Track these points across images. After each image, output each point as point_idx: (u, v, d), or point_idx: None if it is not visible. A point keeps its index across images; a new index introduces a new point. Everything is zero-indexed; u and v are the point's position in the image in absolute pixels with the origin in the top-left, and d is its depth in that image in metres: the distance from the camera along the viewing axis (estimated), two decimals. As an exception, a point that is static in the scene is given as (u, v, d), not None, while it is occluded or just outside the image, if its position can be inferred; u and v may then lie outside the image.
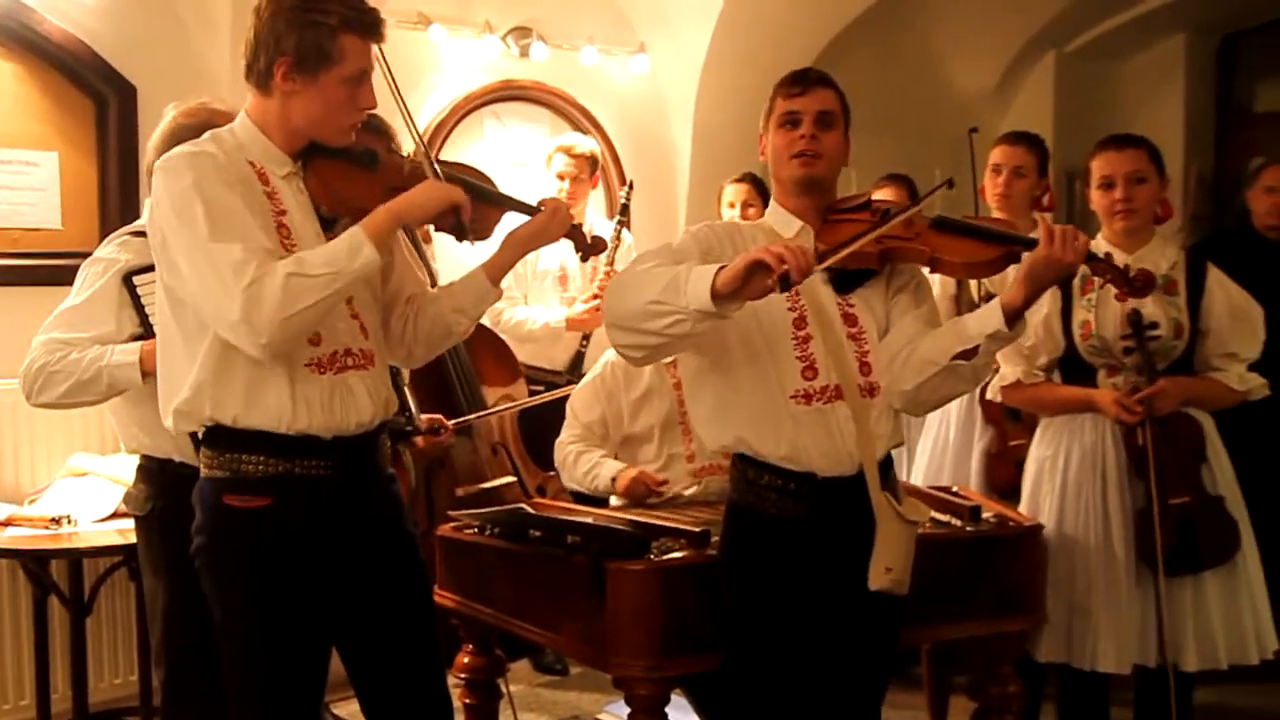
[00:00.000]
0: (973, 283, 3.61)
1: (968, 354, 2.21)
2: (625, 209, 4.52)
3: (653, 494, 3.09)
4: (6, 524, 3.26)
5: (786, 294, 2.22)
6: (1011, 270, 2.32)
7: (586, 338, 4.36)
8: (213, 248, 1.96)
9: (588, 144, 4.50)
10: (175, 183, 2.01)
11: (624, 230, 4.49)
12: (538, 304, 4.39)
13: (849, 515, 2.25)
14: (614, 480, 3.13)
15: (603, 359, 3.39)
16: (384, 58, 2.16)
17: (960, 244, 2.31)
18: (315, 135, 2.13)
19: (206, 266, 1.96)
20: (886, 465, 2.33)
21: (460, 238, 2.18)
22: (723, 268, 2.00)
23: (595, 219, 4.65)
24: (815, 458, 2.25)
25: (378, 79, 2.15)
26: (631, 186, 4.61)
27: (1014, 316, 2.18)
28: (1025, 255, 2.22)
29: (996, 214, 3.51)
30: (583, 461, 3.22)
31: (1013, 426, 3.49)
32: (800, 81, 2.33)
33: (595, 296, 4.29)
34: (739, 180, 4.31)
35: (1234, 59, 6.22)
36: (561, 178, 4.34)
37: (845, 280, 2.33)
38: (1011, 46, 6.01)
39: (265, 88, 2.11)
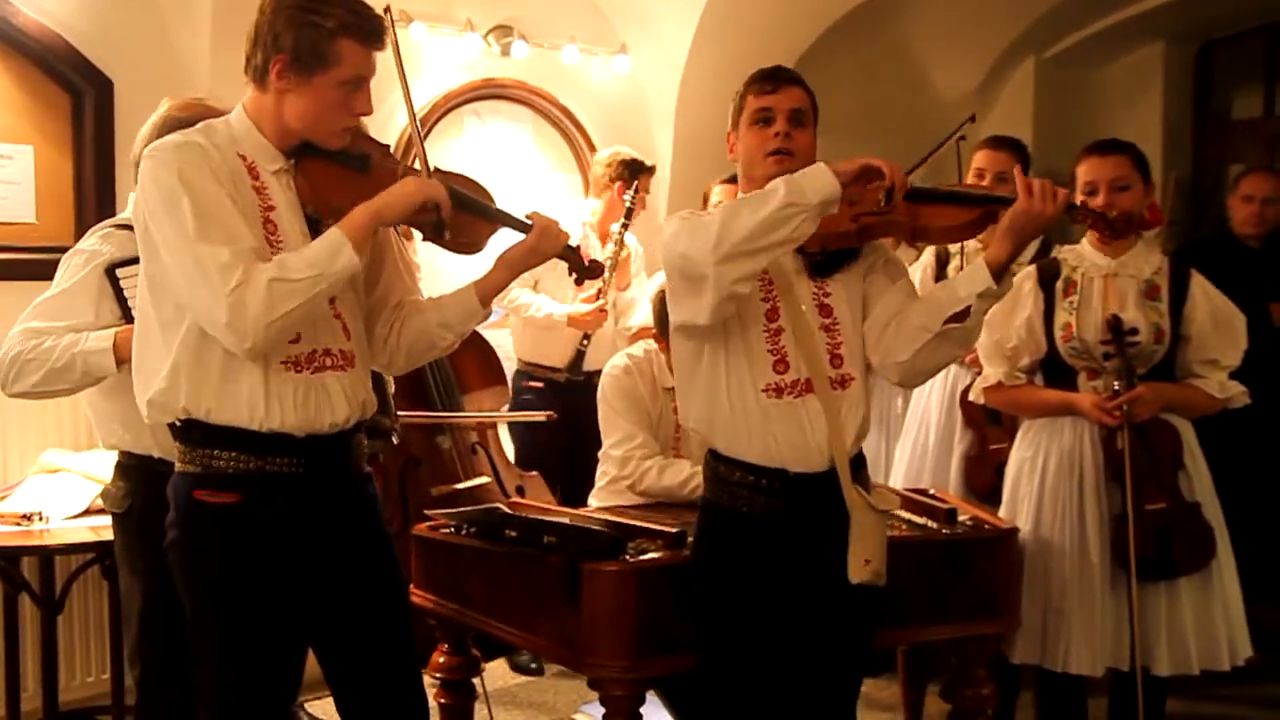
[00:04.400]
0: (953, 264, 3.62)
1: (959, 316, 2.23)
2: (629, 213, 4.39)
3: None
4: (-22, 520, 3.23)
5: (761, 284, 2.28)
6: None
7: (587, 337, 4.34)
8: (200, 249, 1.95)
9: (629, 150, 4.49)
10: (162, 173, 2.00)
11: (627, 233, 4.41)
12: (549, 293, 4.34)
13: (821, 511, 2.26)
14: None
15: (610, 363, 3.36)
16: (399, 56, 2.17)
17: (938, 210, 2.33)
18: (307, 135, 2.12)
19: (194, 267, 1.96)
20: (857, 459, 2.33)
21: (438, 238, 2.15)
22: (834, 164, 2.13)
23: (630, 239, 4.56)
24: (786, 453, 2.26)
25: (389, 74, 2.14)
26: (637, 189, 4.48)
27: (1000, 273, 2.21)
28: (1005, 212, 2.23)
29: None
30: (672, 472, 3.16)
31: (993, 430, 3.50)
32: (772, 79, 2.34)
33: (598, 296, 4.28)
34: (727, 181, 4.30)
35: (1211, 67, 6.26)
36: (631, 208, 4.30)
37: (823, 265, 2.34)
38: (992, 51, 6.03)
39: (261, 83, 2.10)
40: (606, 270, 4.20)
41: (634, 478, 3.21)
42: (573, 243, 2.34)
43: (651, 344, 3.31)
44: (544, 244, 2.25)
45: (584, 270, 2.38)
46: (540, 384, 4.27)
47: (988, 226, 2.31)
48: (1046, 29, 5.94)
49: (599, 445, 3.33)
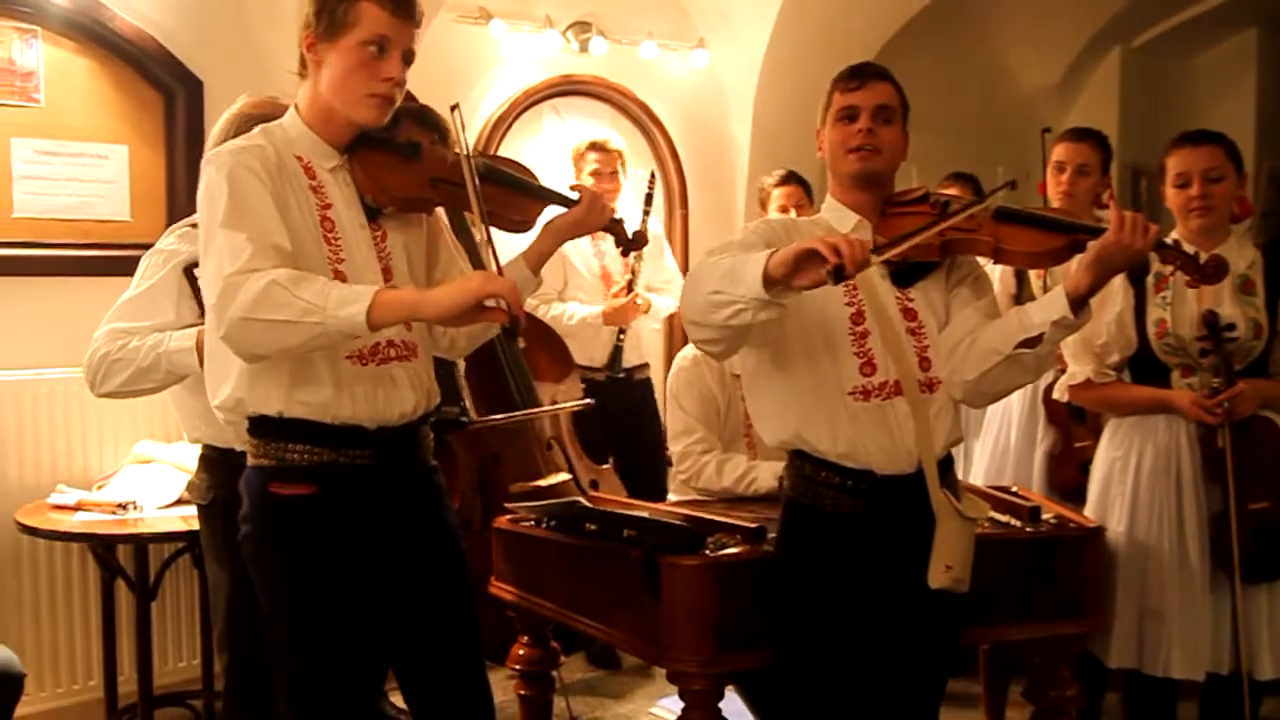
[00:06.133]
0: (1035, 281, 3.57)
1: (1031, 342, 2.18)
2: (649, 199, 4.40)
3: None
4: (76, 508, 3.33)
5: (845, 289, 2.23)
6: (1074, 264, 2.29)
7: (623, 332, 4.36)
8: (220, 232, 1.98)
9: (619, 140, 4.46)
10: (214, 173, 2.04)
11: (649, 220, 4.40)
12: (578, 301, 4.39)
13: (907, 513, 2.23)
14: (781, 480, 3.05)
15: (680, 354, 3.37)
16: (462, 126, 2.17)
17: (1024, 234, 2.28)
18: (340, 106, 2.13)
19: (211, 250, 1.99)
20: (946, 462, 2.30)
21: (509, 336, 2.07)
22: (774, 253, 1.98)
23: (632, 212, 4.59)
24: (874, 454, 2.23)
25: (439, 69, 2.16)
26: (654, 176, 4.50)
27: (1079, 303, 2.15)
28: (1091, 243, 2.19)
29: (1058, 211, 3.47)
30: (730, 468, 3.17)
31: (1077, 428, 3.45)
32: (858, 75, 2.31)
33: (627, 289, 4.30)
34: (785, 183, 4.27)
35: (1307, 54, 6.09)
36: (597, 176, 4.28)
37: (905, 274, 2.31)
38: (1076, 42, 5.94)
39: (304, 69, 2.15)
40: (633, 260, 4.26)
41: (690, 474, 3.22)
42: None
43: None
44: (591, 217, 2.30)
45: (629, 242, 2.44)
46: (582, 385, 4.29)
47: (1074, 256, 2.26)
48: (1133, 18, 5.83)
49: (644, 439, 3.33)
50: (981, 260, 2.38)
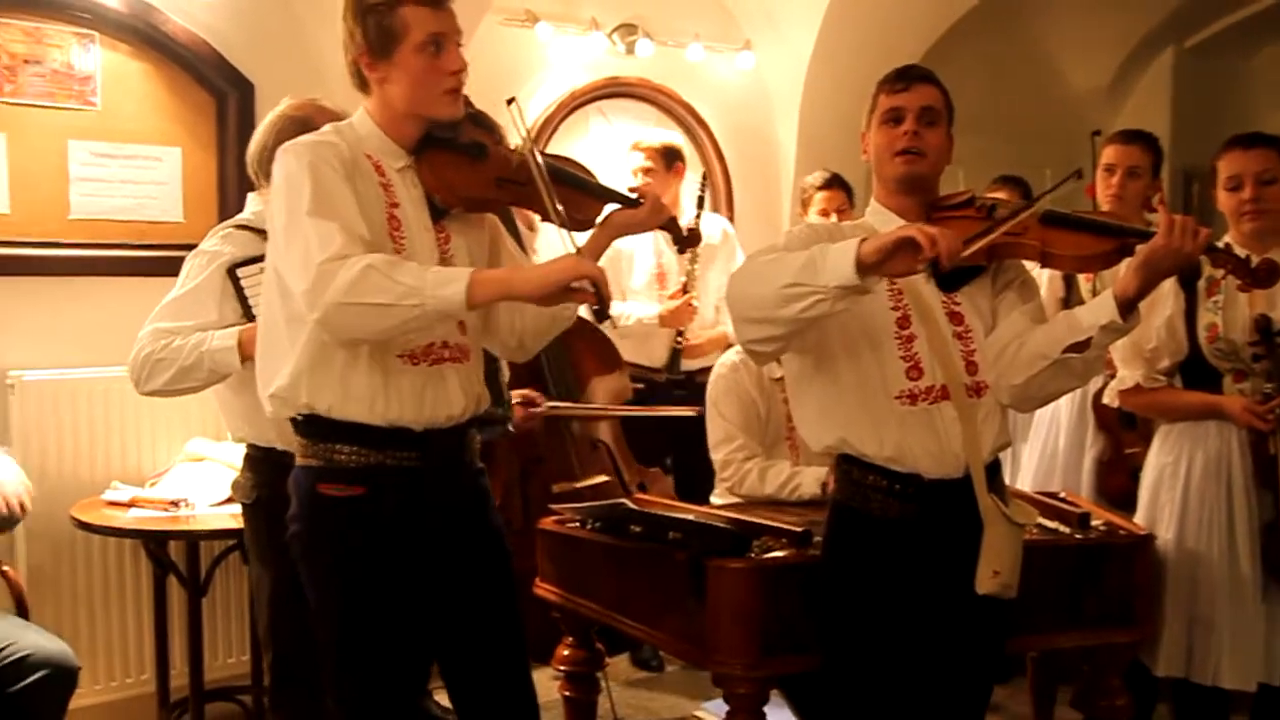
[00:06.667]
0: (1084, 285, 3.53)
1: (1079, 346, 2.17)
2: (701, 201, 4.43)
3: None
4: (130, 505, 3.38)
5: (890, 293, 2.23)
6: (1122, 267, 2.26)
7: (681, 333, 4.36)
8: (308, 221, 1.99)
9: (660, 137, 4.45)
10: (292, 163, 2.06)
11: (718, 217, 4.45)
12: (634, 302, 4.41)
13: (955, 517, 2.22)
14: (825, 485, 3.04)
15: (721, 362, 3.37)
16: (521, 118, 2.19)
17: (1072, 238, 2.26)
18: (419, 111, 2.16)
19: (297, 238, 2.00)
20: (993, 467, 2.29)
21: (599, 318, 2.10)
22: (864, 240, 1.98)
23: (688, 213, 4.61)
24: (921, 458, 2.22)
25: (486, 71, 2.18)
26: (706, 176, 4.52)
27: (1127, 307, 2.13)
28: (1140, 246, 2.16)
29: (1107, 215, 3.43)
30: (773, 475, 3.16)
31: (1127, 434, 3.41)
32: (904, 78, 2.30)
33: (683, 291, 4.30)
34: (827, 186, 4.25)
35: (1367, 54, 5.99)
36: (637, 173, 4.30)
37: (951, 278, 2.30)
38: (1127, 43, 5.87)
39: (365, 87, 2.17)
40: (689, 262, 4.28)
41: (733, 480, 3.22)
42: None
43: None
44: (651, 218, 2.31)
45: (684, 239, 2.47)
46: (641, 384, 4.29)
47: (1122, 260, 2.24)
48: (1187, 18, 5.76)
49: (702, 441, 3.33)
50: (1028, 264, 2.37)
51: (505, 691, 2.29)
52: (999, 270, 2.34)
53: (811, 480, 3.10)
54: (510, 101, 2.22)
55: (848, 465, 2.30)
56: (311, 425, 2.15)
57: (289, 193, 2.03)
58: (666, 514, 2.72)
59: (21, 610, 3.12)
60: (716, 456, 3.26)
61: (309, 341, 2.09)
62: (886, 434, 2.23)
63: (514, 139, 2.33)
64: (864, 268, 1.96)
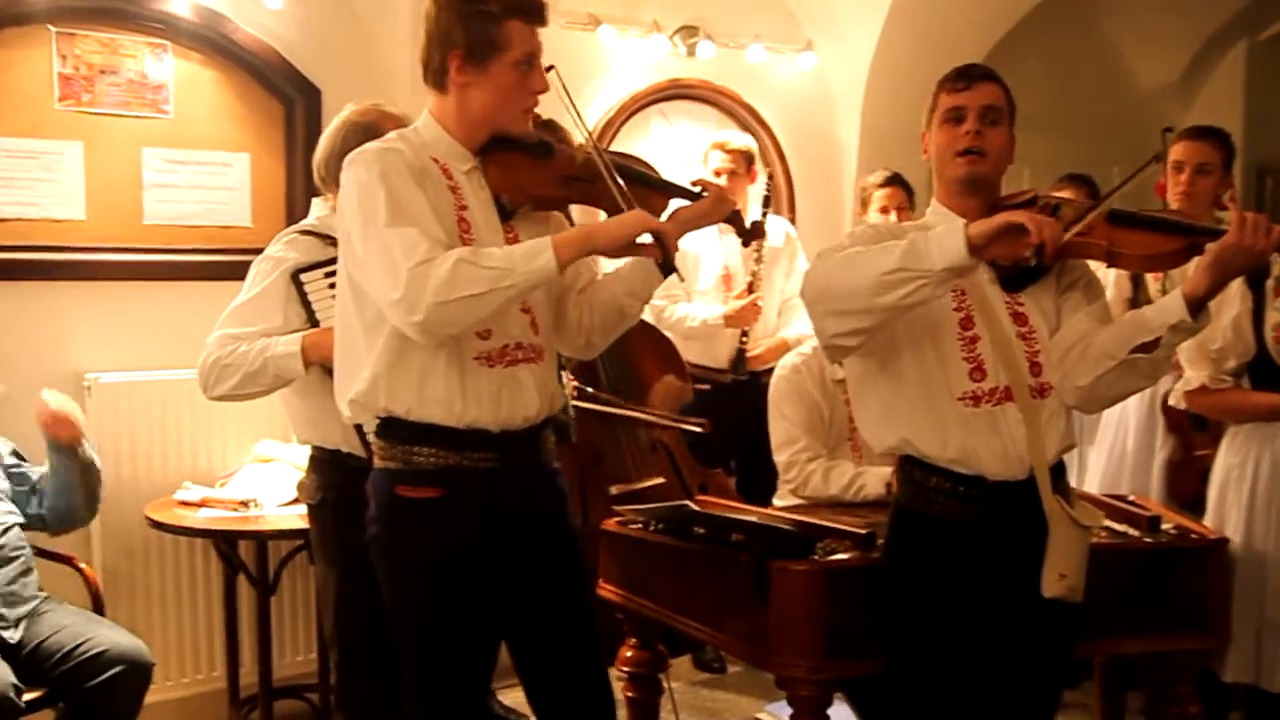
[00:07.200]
0: (1152, 285, 3.48)
1: (1147, 346, 2.14)
2: (767, 200, 4.44)
3: None
4: (200, 505, 3.45)
5: (953, 294, 2.21)
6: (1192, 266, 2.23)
7: (745, 334, 4.36)
8: (388, 231, 2.01)
9: (743, 139, 4.49)
10: (363, 172, 2.08)
11: (780, 219, 4.44)
12: (700, 303, 4.41)
13: (1020, 520, 2.20)
14: (890, 485, 3.03)
15: (782, 364, 3.37)
16: (561, 83, 2.20)
17: (1139, 236, 2.22)
18: (493, 123, 2.18)
19: (379, 249, 2.02)
20: (1058, 469, 2.27)
21: (665, 272, 2.16)
22: (969, 224, 2.00)
23: (754, 214, 4.62)
24: (985, 460, 2.20)
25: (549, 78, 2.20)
26: (772, 177, 4.52)
27: (1197, 307, 2.10)
28: (1209, 245, 2.13)
29: (1176, 212, 3.38)
30: (836, 475, 3.16)
31: (1198, 436, 3.35)
32: (965, 77, 2.27)
33: (749, 290, 4.30)
34: (888, 184, 4.23)
35: None
36: (719, 173, 4.32)
37: (1014, 279, 2.27)
38: (1198, 36, 5.76)
39: (442, 85, 2.18)
40: (754, 261, 4.29)
41: (797, 482, 3.21)
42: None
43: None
44: (716, 209, 2.29)
45: (747, 233, 2.47)
46: (706, 385, 4.28)
47: (1190, 259, 2.20)
48: (1261, 10, 5.64)
49: (765, 444, 3.32)
50: (1093, 264, 2.33)
51: (583, 691, 2.30)
52: (1063, 270, 2.31)
53: (876, 480, 3.09)
54: (549, 69, 2.22)
55: (910, 467, 2.29)
56: (390, 428, 2.17)
57: (363, 203, 2.06)
58: (729, 515, 2.72)
59: (98, 607, 3.19)
60: (780, 458, 3.25)
61: (386, 345, 2.11)
62: (950, 436, 2.21)
63: (554, 109, 2.32)
64: (973, 249, 1.98)
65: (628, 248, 2.12)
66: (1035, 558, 2.19)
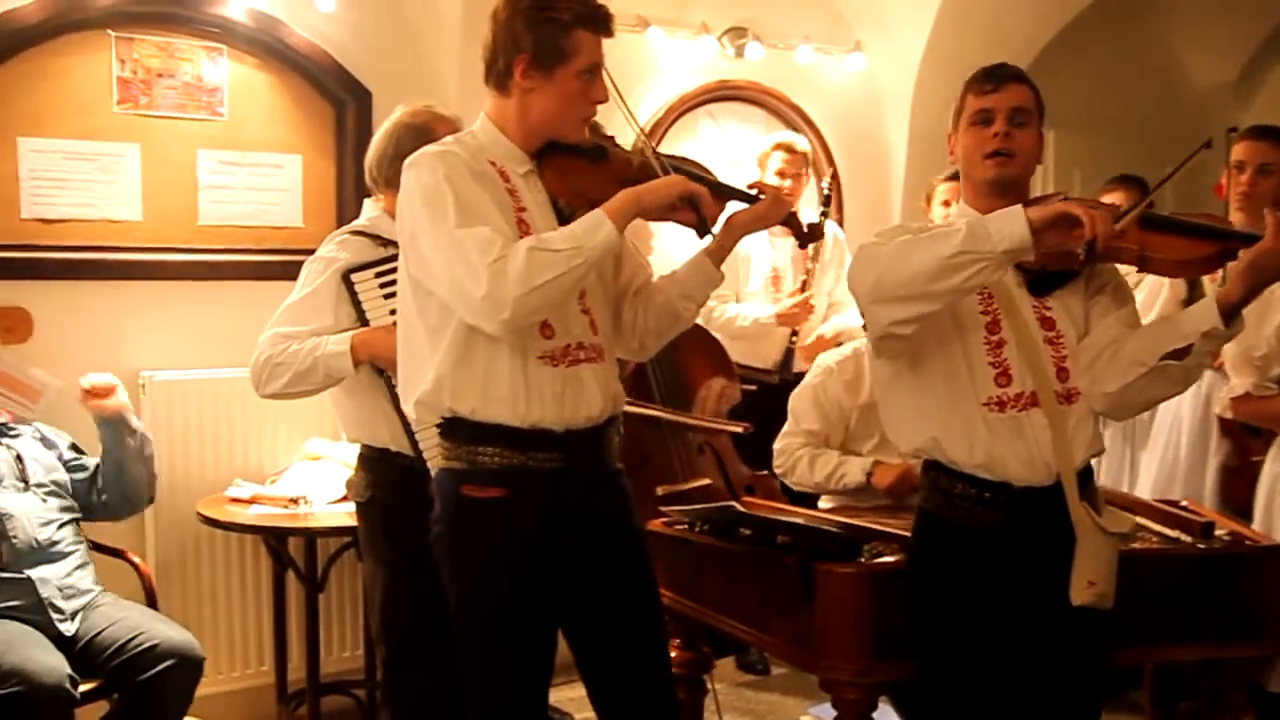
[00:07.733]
0: (1209, 285, 3.42)
1: (1179, 353, 2.11)
2: (828, 200, 4.46)
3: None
4: (251, 501, 3.50)
5: (980, 297, 2.20)
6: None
7: (795, 334, 4.35)
8: (459, 233, 2.02)
9: (804, 142, 4.51)
10: (426, 175, 2.09)
11: (828, 222, 4.42)
12: (751, 303, 4.41)
13: (1046, 526, 2.17)
14: (870, 475, 3.10)
15: (818, 362, 3.37)
16: (614, 85, 2.22)
17: (1171, 241, 2.20)
18: (552, 131, 2.20)
19: (453, 251, 2.02)
20: (1085, 475, 2.23)
21: (701, 233, 2.20)
22: (1025, 209, 2.00)
23: (809, 216, 4.62)
24: (1011, 466, 2.18)
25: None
26: (835, 177, 4.54)
27: (1231, 314, 2.07)
28: (1244, 251, 2.09)
29: (1235, 214, 3.34)
30: (821, 463, 3.20)
31: (1254, 441, 3.29)
32: (993, 77, 2.24)
33: (801, 290, 4.30)
34: (951, 178, 4.21)
35: None
36: (781, 175, 4.34)
37: (1042, 283, 2.25)
38: (1255, 36, 5.66)
39: (504, 88, 2.19)
40: (808, 262, 4.31)
41: (785, 468, 3.25)
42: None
43: (861, 343, 3.29)
44: (773, 212, 2.29)
45: (805, 234, 2.45)
46: (753, 386, 4.28)
47: (1224, 265, 2.17)
48: (1320, 10, 5.54)
49: None
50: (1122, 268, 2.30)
51: (648, 692, 2.30)
52: (1092, 274, 2.28)
53: (856, 470, 3.13)
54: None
55: (935, 473, 2.27)
56: (455, 428, 2.18)
57: (429, 206, 2.06)
58: (775, 517, 2.71)
59: (150, 600, 3.25)
60: (777, 445, 3.29)
61: (450, 346, 2.12)
62: (976, 441, 2.19)
63: (603, 112, 2.33)
64: (1032, 233, 1.97)
65: (669, 210, 2.15)
66: (1063, 564, 2.16)
